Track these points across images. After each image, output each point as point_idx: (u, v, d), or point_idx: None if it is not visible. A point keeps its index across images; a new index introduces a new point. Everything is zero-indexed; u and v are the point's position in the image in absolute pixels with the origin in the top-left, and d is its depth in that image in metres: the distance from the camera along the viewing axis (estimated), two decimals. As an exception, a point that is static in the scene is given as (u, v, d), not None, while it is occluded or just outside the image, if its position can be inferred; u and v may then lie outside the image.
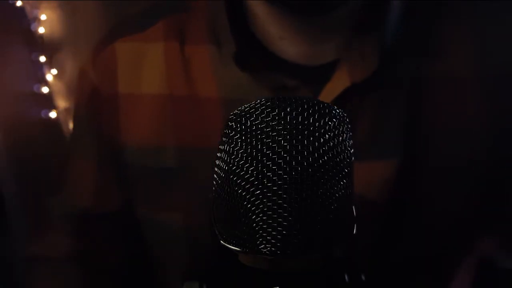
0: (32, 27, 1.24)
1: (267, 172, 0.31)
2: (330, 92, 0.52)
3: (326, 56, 0.54)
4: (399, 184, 0.53)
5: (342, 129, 0.33)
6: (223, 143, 0.34)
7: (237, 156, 0.32)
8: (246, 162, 0.32)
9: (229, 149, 0.33)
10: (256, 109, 0.33)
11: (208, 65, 0.55)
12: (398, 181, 0.53)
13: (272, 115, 0.32)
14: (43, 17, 1.24)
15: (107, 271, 0.61)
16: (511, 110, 0.53)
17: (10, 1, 1.21)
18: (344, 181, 0.33)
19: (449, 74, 0.53)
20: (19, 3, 1.21)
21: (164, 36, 0.57)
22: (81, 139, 0.63)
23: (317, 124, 0.32)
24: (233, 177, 0.32)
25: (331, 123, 0.33)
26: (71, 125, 0.66)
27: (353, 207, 0.34)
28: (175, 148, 0.56)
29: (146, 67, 0.57)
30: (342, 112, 0.34)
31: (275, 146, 0.31)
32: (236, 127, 0.33)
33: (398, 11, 0.53)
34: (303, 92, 0.52)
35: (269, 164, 0.31)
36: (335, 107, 0.34)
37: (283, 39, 0.53)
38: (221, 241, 0.33)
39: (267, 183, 0.31)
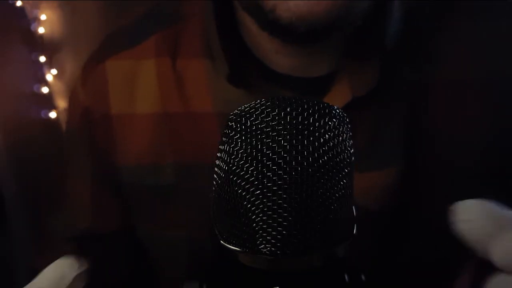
0: (32, 27, 1.24)
1: (267, 172, 0.31)
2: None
3: (324, 68, 0.53)
4: (401, 193, 0.52)
5: (342, 129, 0.33)
6: (223, 143, 0.34)
7: (237, 156, 0.32)
8: (246, 162, 0.32)
9: (229, 149, 0.33)
10: (256, 109, 0.33)
11: (202, 79, 0.54)
12: (399, 189, 0.52)
13: (272, 115, 0.32)
14: (43, 17, 1.24)
15: None
16: None
17: (10, 1, 1.21)
18: (344, 181, 0.33)
19: (449, 81, 0.52)
20: (19, 3, 1.22)
21: (156, 51, 0.56)
22: (75, 160, 0.62)
23: (317, 124, 0.32)
24: (233, 177, 0.32)
25: (331, 123, 0.33)
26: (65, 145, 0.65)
27: (353, 207, 0.34)
28: (173, 165, 0.55)
29: (139, 86, 0.56)
30: (342, 112, 0.34)
31: (275, 146, 0.31)
32: (236, 127, 0.33)
33: (397, 20, 0.52)
34: None
35: (269, 164, 0.31)
36: (335, 107, 0.34)
37: (279, 53, 0.52)
38: (221, 241, 0.33)
39: (267, 183, 0.31)
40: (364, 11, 0.48)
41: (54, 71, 1.25)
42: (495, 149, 0.53)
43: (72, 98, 0.62)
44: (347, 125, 0.34)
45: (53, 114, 1.25)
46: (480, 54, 0.53)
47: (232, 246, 0.32)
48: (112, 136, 0.57)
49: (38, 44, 1.23)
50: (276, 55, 0.52)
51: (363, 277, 0.34)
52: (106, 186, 0.59)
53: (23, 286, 0.35)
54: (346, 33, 0.50)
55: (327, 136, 0.32)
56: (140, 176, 0.57)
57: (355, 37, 0.52)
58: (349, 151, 0.34)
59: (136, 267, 0.61)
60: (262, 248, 0.30)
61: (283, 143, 0.31)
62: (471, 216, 0.31)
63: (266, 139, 0.32)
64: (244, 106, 0.34)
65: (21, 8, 1.21)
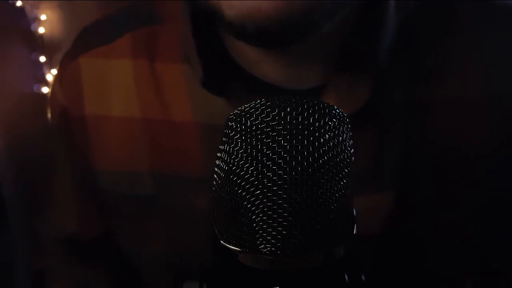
0: (32, 27, 1.24)
1: (267, 172, 0.31)
2: None
3: (311, 81, 0.49)
4: (398, 216, 0.50)
5: (342, 129, 0.33)
6: (223, 143, 0.34)
7: (237, 156, 0.32)
8: (246, 162, 0.32)
9: (229, 149, 0.33)
10: (256, 109, 0.33)
11: (181, 86, 0.51)
12: (397, 212, 0.50)
13: (272, 115, 0.32)
14: (43, 17, 1.24)
15: None
16: None
17: (10, 1, 1.21)
18: (344, 181, 0.33)
19: (448, 98, 0.49)
20: (19, 3, 1.22)
21: (131, 51, 0.53)
22: (57, 162, 0.60)
23: (317, 124, 0.32)
24: (233, 177, 0.32)
25: (331, 123, 0.33)
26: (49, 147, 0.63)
27: (353, 207, 0.34)
28: (151, 174, 0.53)
29: (114, 87, 0.53)
30: (342, 112, 0.34)
31: (275, 146, 0.31)
32: (236, 127, 0.33)
33: (392, 33, 0.48)
34: None
35: (269, 164, 0.31)
36: (335, 107, 0.34)
37: (260, 63, 0.49)
38: (221, 241, 0.33)
39: (267, 183, 0.31)
40: (334, 9, 0.43)
41: (54, 71, 1.25)
42: (496, 167, 0.50)
43: (52, 97, 0.60)
44: (347, 125, 0.34)
45: (53, 114, 1.25)
46: (479, 70, 0.49)
47: (232, 246, 0.32)
48: (88, 138, 0.54)
49: (38, 44, 1.23)
50: (258, 65, 0.49)
51: (363, 277, 0.34)
52: (87, 190, 0.57)
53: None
54: (330, 30, 0.45)
55: (327, 136, 0.32)
56: (118, 182, 0.54)
57: (345, 49, 0.48)
58: (349, 151, 0.34)
59: (119, 277, 0.60)
60: (262, 248, 0.30)
61: (283, 143, 0.31)
62: None
63: (266, 139, 0.32)
64: (244, 106, 0.34)
65: (21, 8, 1.21)
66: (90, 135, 0.55)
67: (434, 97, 0.49)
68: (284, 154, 0.31)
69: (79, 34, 0.58)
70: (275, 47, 0.46)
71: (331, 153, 0.32)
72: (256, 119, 0.32)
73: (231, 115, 0.34)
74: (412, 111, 0.48)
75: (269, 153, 0.31)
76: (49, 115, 1.24)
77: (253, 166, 0.31)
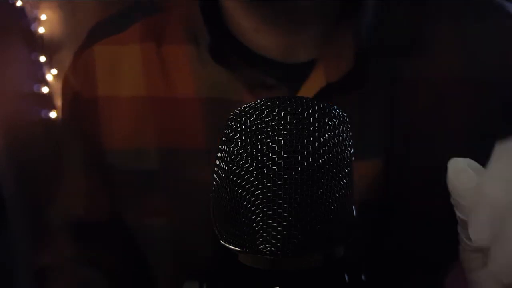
0: (32, 27, 1.24)
1: (267, 172, 0.31)
2: (307, 91, 0.52)
3: (302, 52, 0.54)
4: (383, 183, 0.53)
5: (342, 129, 0.33)
6: (223, 143, 0.34)
7: (237, 156, 0.32)
8: (246, 162, 0.32)
9: (229, 149, 0.33)
10: (256, 109, 0.33)
11: (185, 65, 0.55)
12: (382, 180, 0.53)
13: (272, 115, 0.32)
14: (43, 17, 1.24)
15: (103, 278, 0.61)
16: (491, 109, 0.53)
17: (10, 1, 1.21)
18: (344, 181, 0.33)
19: (427, 73, 0.53)
20: (19, 3, 1.22)
21: (140, 38, 0.58)
22: (68, 145, 0.63)
23: (317, 124, 0.32)
24: (233, 177, 0.32)
25: (331, 123, 0.33)
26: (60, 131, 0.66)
27: (353, 207, 0.34)
28: (157, 150, 0.56)
29: (124, 69, 0.57)
30: (342, 112, 0.34)
31: (275, 146, 0.31)
32: (236, 127, 0.33)
33: (375, 8, 0.53)
34: (281, 90, 0.52)
35: (269, 164, 0.31)
36: (335, 107, 0.34)
37: (257, 32, 0.53)
38: (221, 241, 0.33)
39: (267, 183, 0.31)
40: None
41: (54, 71, 1.25)
42: (474, 141, 0.52)
43: (64, 84, 0.64)
44: (347, 125, 0.34)
45: (53, 114, 1.25)
46: (461, 50, 0.54)
47: (232, 246, 0.32)
48: (99, 119, 0.58)
49: (38, 44, 1.24)
50: (256, 34, 0.53)
51: (363, 277, 0.34)
52: (96, 171, 0.60)
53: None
54: (317, 13, 0.51)
55: (327, 136, 0.32)
56: (125, 160, 0.57)
57: (333, 25, 0.53)
58: (349, 151, 0.34)
59: (129, 256, 0.61)
60: (262, 248, 0.30)
61: (283, 143, 0.31)
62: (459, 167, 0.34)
63: (266, 139, 0.32)
64: (244, 106, 0.34)
65: (21, 8, 1.21)
66: (100, 116, 0.58)
67: (410, 71, 0.53)
68: (284, 154, 0.31)
69: (94, 26, 0.63)
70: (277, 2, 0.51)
71: (331, 153, 0.32)
72: (256, 119, 0.32)
73: (231, 115, 0.34)
74: (391, 83, 0.53)
75: (269, 153, 0.31)
76: (50, 115, 1.24)
77: (253, 166, 0.31)
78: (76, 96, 0.60)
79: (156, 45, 0.57)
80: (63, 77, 0.63)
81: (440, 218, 0.53)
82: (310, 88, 0.52)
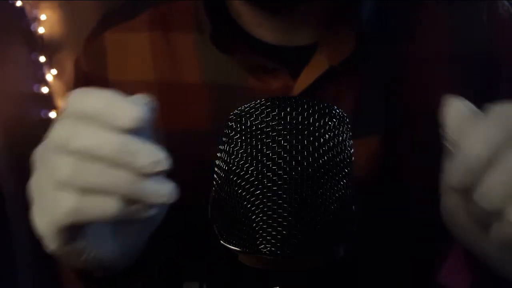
0: (32, 27, 1.24)
1: (267, 172, 0.31)
2: (309, 74, 0.54)
3: (305, 39, 0.55)
4: (383, 160, 0.55)
5: (342, 129, 0.33)
6: (223, 143, 0.34)
7: (237, 156, 0.32)
8: (246, 162, 0.32)
9: (229, 149, 0.33)
10: (256, 109, 0.33)
11: (191, 51, 0.58)
12: (382, 157, 0.55)
13: (272, 115, 0.32)
14: (43, 17, 1.24)
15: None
16: (482, 87, 0.55)
17: (10, 1, 1.21)
18: (344, 181, 0.33)
19: (423, 54, 0.55)
20: (19, 3, 1.21)
21: (149, 25, 0.60)
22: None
23: (317, 124, 0.32)
24: (233, 177, 0.32)
25: (331, 123, 0.33)
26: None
27: (353, 207, 0.34)
28: (164, 131, 0.58)
29: (133, 55, 0.60)
30: (342, 112, 0.34)
31: (275, 146, 0.31)
32: (236, 127, 0.33)
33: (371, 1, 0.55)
34: (283, 73, 0.54)
35: (269, 164, 0.31)
36: (335, 107, 0.34)
37: (261, 27, 0.55)
38: (221, 241, 0.33)
39: (267, 183, 0.31)
40: None
41: (54, 71, 1.25)
42: None
43: (75, 67, 0.66)
44: (347, 125, 0.34)
45: (53, 114, 1.24)
46: (454, 30, 0.56)
47: (232, 246, 0.32)
48: None
49: (38, 44, 1.23)
50: (259, 29, 0.56)
51: (363, 277, 0.34)
52: None
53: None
54: (318, 6, 0.53)
55: (327, 136, 0.32)
56: None
57: (333, 10, 0.55)
58: (349, 151, 0.34)
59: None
60: (262, 248, 0.30)
61: (283, 143, 0.31)
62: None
63: (266, 139, 0.32)
64: (244, 106, 0.34)
65: (21, 8, 1.21)
66: None
67: (408, 53, 0.55)
68: (284, 154, 0.31)
69: (104, 15, 0.65)
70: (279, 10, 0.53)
71: (331, 153, 0.32)
72: (256, 119, 0.32)
73: (231, 115, 0.34)
74: (394, 66, 0.55)
75: (269, 153, 0.31)
76: (50, 115, 1.24)
77: (253, 166, 0.31)
78: (87, 77, 0.62)
79: (163, 33, 0.59)
80: (74, 60, 0.66)
81: (437, 193, 0.55)
82: (312, 71, 0.54)
